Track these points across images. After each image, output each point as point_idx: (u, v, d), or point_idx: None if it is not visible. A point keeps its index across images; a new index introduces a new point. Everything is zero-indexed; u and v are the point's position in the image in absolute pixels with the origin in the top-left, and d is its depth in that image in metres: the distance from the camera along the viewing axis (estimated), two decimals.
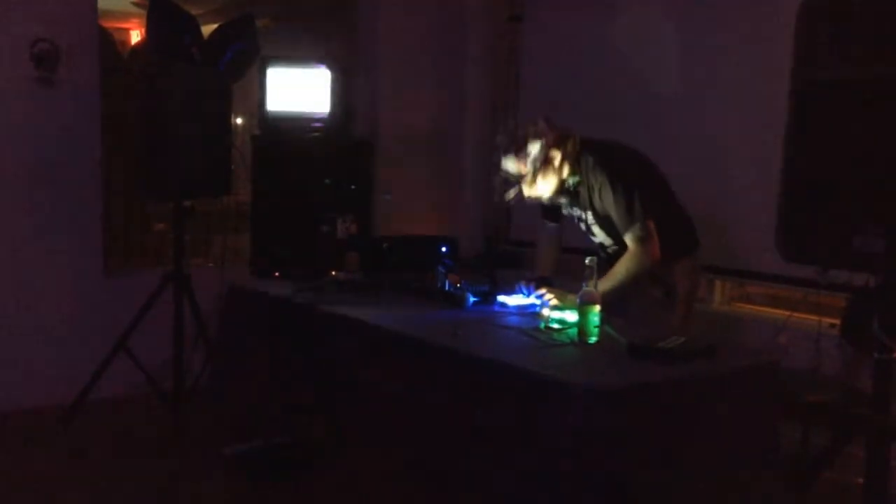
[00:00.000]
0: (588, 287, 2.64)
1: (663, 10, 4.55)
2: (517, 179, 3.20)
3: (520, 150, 3.16)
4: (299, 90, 4.29)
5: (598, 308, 2.62)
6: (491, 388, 2.42)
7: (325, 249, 3.70)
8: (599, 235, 3.31)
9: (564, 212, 3.43)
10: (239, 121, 6.19)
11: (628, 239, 3.10)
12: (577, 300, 2.67)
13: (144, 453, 3.88)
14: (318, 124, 4.32)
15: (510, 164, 3.20)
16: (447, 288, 3.24)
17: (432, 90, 5.56)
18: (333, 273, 3.56)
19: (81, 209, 4.53)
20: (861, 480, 2.40)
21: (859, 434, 2.22)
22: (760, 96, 3.80)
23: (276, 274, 3.69)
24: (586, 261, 2.67)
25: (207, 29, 4.46)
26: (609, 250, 3.30)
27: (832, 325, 3.73)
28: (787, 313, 4.03)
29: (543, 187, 3.22)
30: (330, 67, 4.32)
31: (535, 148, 3.15)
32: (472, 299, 3.16)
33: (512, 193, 3.24)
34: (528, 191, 3.22)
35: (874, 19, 2.03)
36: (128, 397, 4.32)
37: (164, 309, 4.14)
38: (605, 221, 3.23)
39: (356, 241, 3.73)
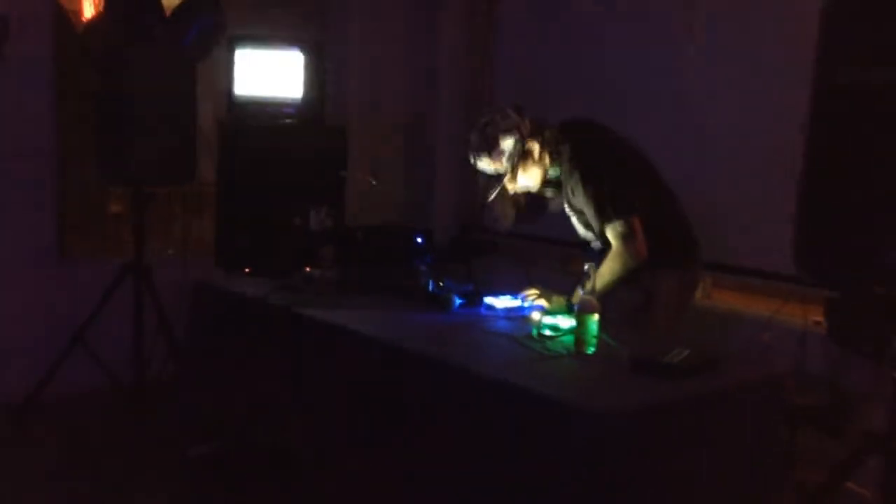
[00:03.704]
0: (586, 295, 2.50)
1: None
2: (497, 178, 3.01)
3: (493, 149, 2.95)
4: (270, 73, 4.04)
5: (596, 317, 2.48)
6: (482, 404, 2.27)
7: (297, 243, 3.51)
8: (581, 231, 3.15)
9: (552, 204, 3.25)
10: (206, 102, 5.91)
11: (610, 235, 2.92)
12: (575, 308, 2.54)
13: (101, 453, 3.68)
14: (289, 110, 4.09)
15: (485, 165, 2.99)
16: (431, 289, 3.08)
17: (406, 72, 5.37)
18: (308, 269, 3.37)
19: (35, 189, 4.26)
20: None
21: (875, 453, 2.14)
22: (746, 90, 3.70)
23: (247, 270, 3.48)
24: (585, 267, 2.52)
25: (169, 2, 4.20)
26: (593, 246, 3.14)
27: (817, 323, 3.66)
28: (773, 307, 3.94)
29: (527, 181, 3.04)
30: (303, 50, 4.08)
31: (508, 143, 2.94)
32: (458, 301, 3.00)
33: (493, 195, 3.01)
34: (512, 186, 3.04)
35: None
36: (85, 394, 4.08)
37: (124, 299, 3.93)
38: (581, 217, 3.07)
39: (330, 234, 3.54)
